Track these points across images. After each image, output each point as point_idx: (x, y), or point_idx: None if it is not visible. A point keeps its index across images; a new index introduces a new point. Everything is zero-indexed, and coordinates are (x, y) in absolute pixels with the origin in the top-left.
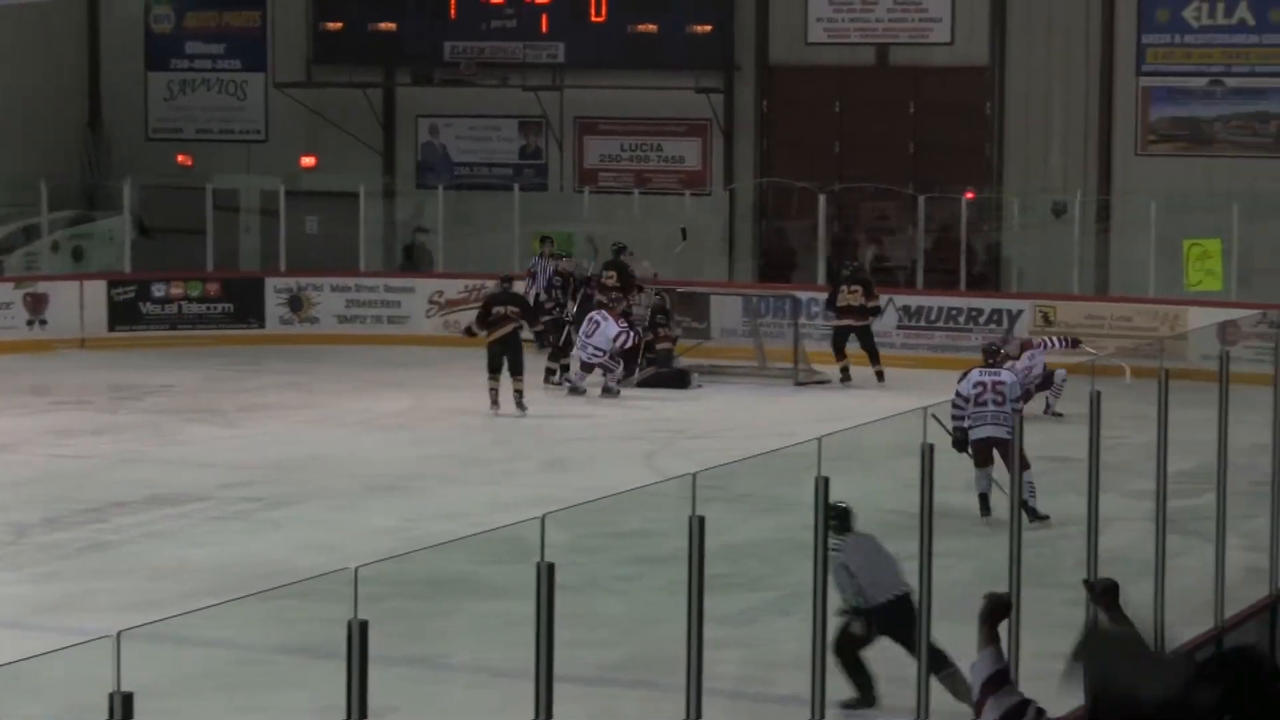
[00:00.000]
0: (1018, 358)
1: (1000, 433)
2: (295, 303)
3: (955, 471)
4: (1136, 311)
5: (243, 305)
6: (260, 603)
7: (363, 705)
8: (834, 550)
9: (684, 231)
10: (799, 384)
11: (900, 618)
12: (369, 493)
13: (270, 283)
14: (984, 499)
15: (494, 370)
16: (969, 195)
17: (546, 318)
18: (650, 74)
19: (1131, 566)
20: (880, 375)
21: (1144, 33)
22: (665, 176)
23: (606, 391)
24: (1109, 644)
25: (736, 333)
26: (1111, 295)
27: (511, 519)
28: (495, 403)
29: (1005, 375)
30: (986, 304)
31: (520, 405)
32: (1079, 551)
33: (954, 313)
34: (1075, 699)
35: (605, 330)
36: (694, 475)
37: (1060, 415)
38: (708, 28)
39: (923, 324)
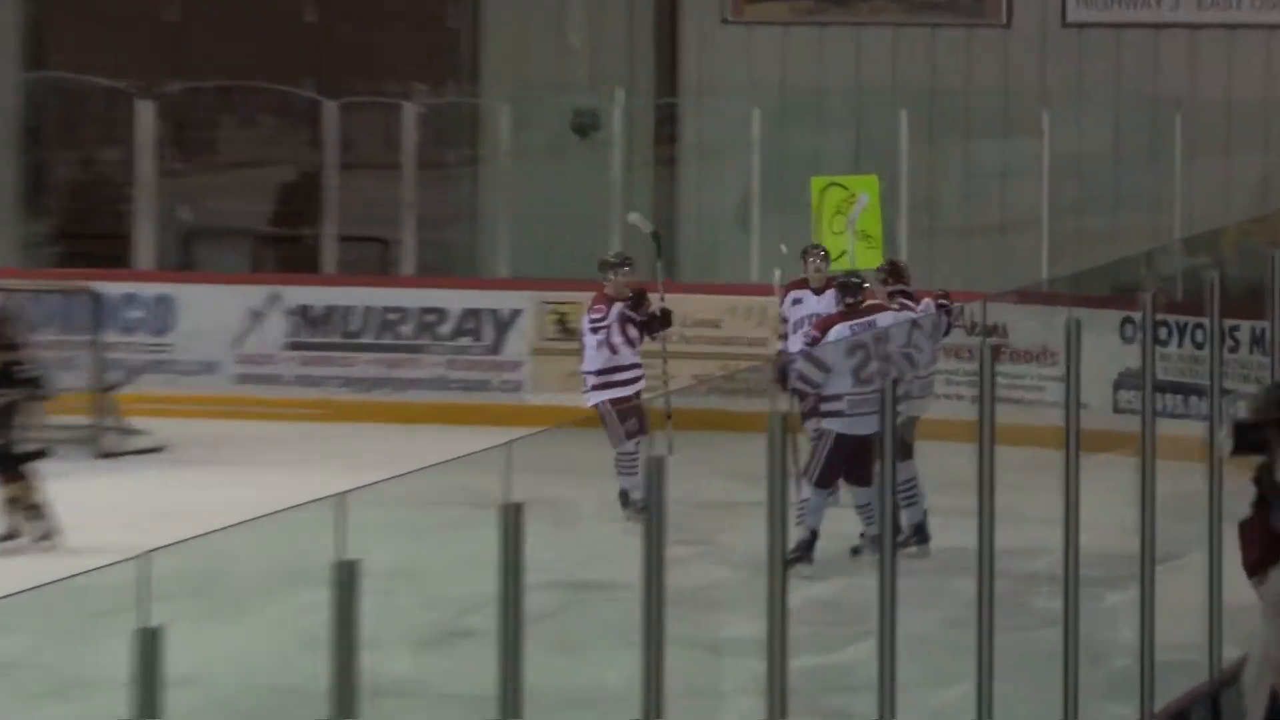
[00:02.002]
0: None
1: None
2: None
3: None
4: (728, 310)
5: None
6: None
7: None
8: None
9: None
10: (105, 455)
11: None
12: None
13: None
14: (811, 540)
15: None
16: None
17: None
18: None
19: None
20: None
21: None
22: None
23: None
24: None
25: None
26: (684, 283)
27: None
28: None
29: (883, 324)
30: (442, 300)
31: None
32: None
33: (389, 319)
34: None
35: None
36: None
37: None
38: None
39: (338, 339)
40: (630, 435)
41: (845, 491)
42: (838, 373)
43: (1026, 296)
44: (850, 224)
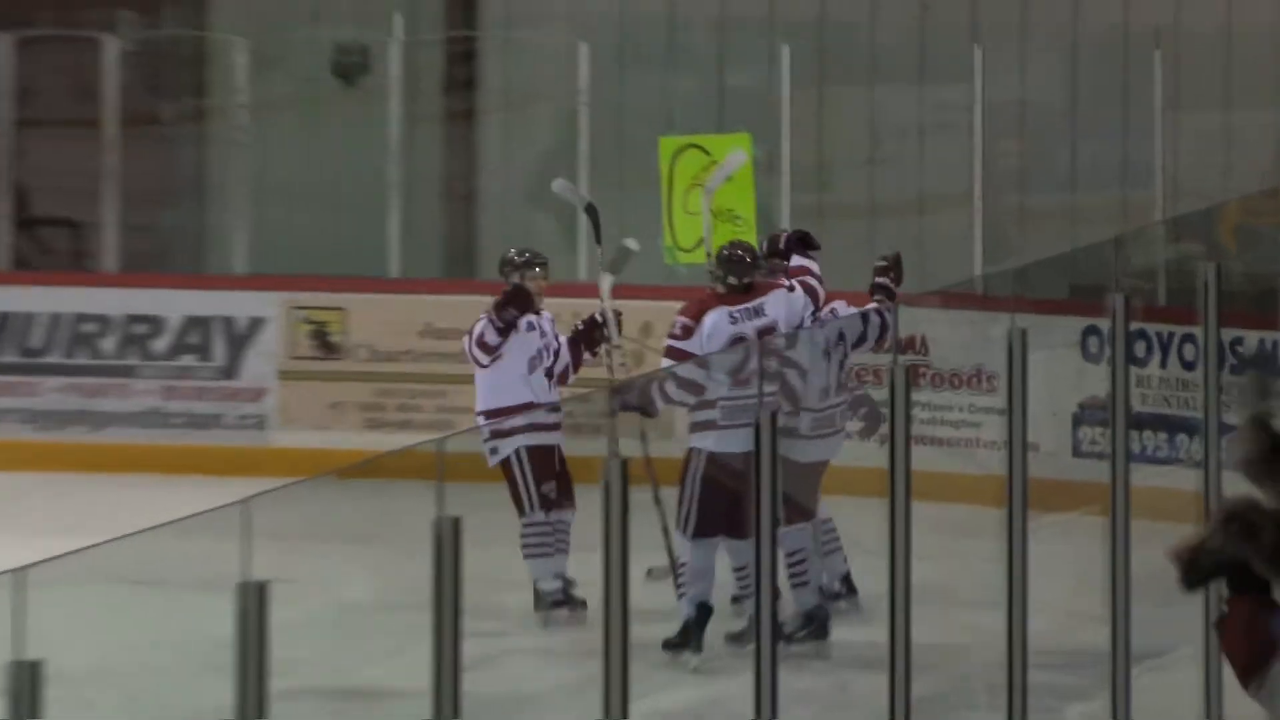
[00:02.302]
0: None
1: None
2: None
3: None
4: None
5: None
6: None
7: None
8: None
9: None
10: None
11: None
12: None
13: None
14: (701, 618)
15: None
16: None
17: None
18: None
19: None
20: None
21: None
22: None
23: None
24: None
25: None
26: (484, 280)
27: None
28: None
29: (773, 311)
30: (157, 304)
31: None
32: None
33: (84, 332)
34: None
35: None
36: None
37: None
38: None
39: (13, 359)
40: (546, 504)
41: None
42: (714, 374)
43: (954, 299)
44: (707, 195)
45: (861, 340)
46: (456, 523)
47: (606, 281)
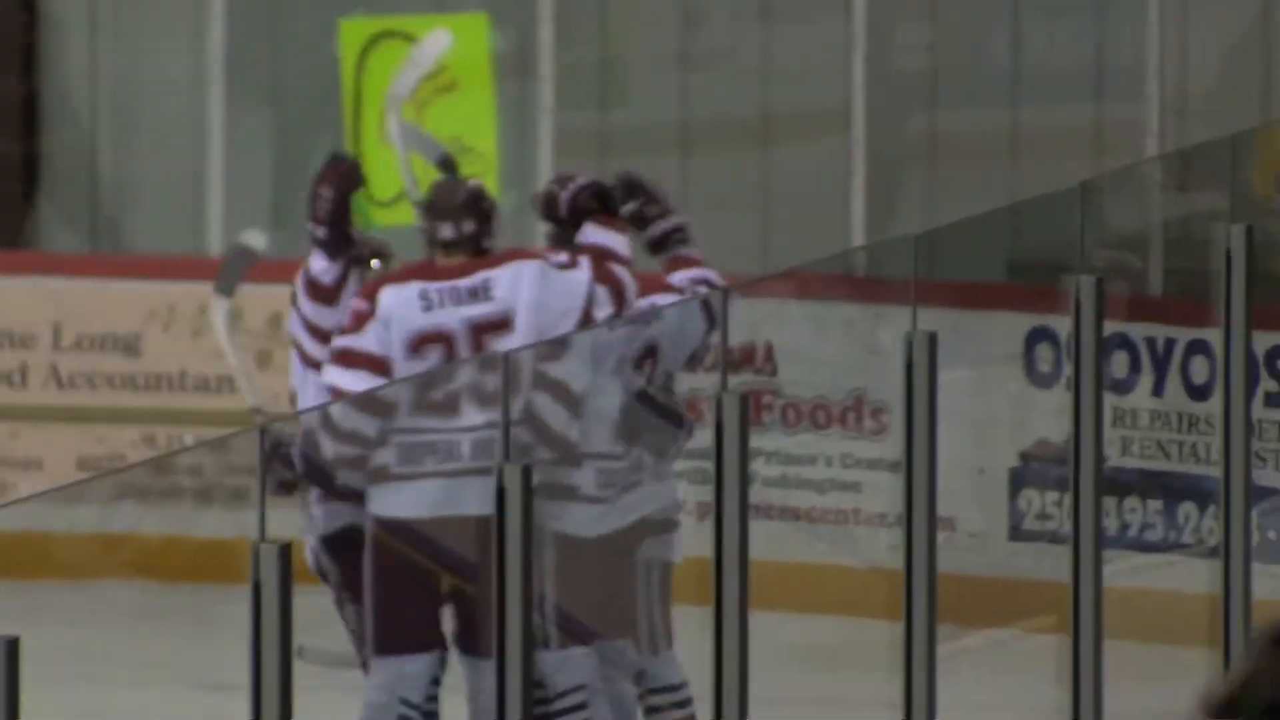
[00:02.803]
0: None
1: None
2: None
3: None
4: (150, 314)
5: None
6: None
7: None
8: None
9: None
10: None
11: None
12: None
13: None
14: None
15: None
16: None
17: None
18: None
19: None
20: None
21: None
22: None
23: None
24: None
25: None
26: (62, 252)
27: None
28: None
29: (507, 292)
30: None
31: None
32: None
33: None
34: None
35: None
36: None
37: None
38: None
39: None
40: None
41: None
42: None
43: (818, 284)
44: (394, 105)
45: (699, 350)
46: (14, 646)
47: (221, 311)
